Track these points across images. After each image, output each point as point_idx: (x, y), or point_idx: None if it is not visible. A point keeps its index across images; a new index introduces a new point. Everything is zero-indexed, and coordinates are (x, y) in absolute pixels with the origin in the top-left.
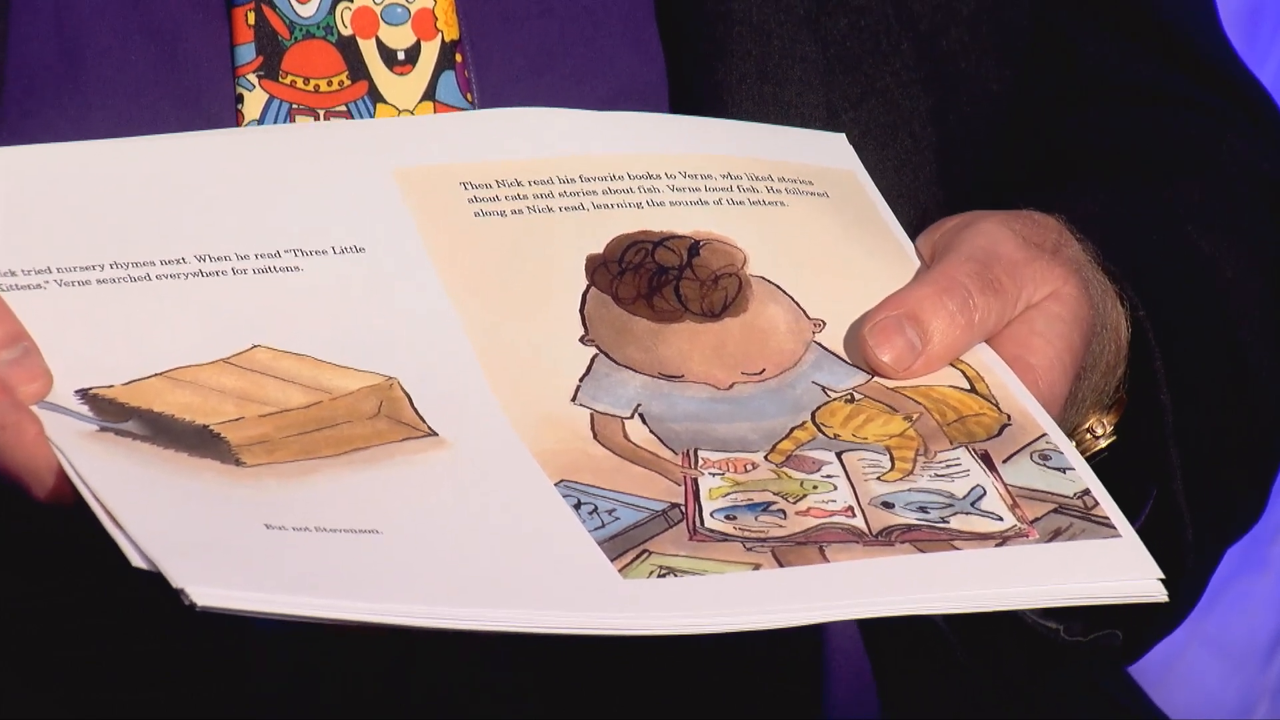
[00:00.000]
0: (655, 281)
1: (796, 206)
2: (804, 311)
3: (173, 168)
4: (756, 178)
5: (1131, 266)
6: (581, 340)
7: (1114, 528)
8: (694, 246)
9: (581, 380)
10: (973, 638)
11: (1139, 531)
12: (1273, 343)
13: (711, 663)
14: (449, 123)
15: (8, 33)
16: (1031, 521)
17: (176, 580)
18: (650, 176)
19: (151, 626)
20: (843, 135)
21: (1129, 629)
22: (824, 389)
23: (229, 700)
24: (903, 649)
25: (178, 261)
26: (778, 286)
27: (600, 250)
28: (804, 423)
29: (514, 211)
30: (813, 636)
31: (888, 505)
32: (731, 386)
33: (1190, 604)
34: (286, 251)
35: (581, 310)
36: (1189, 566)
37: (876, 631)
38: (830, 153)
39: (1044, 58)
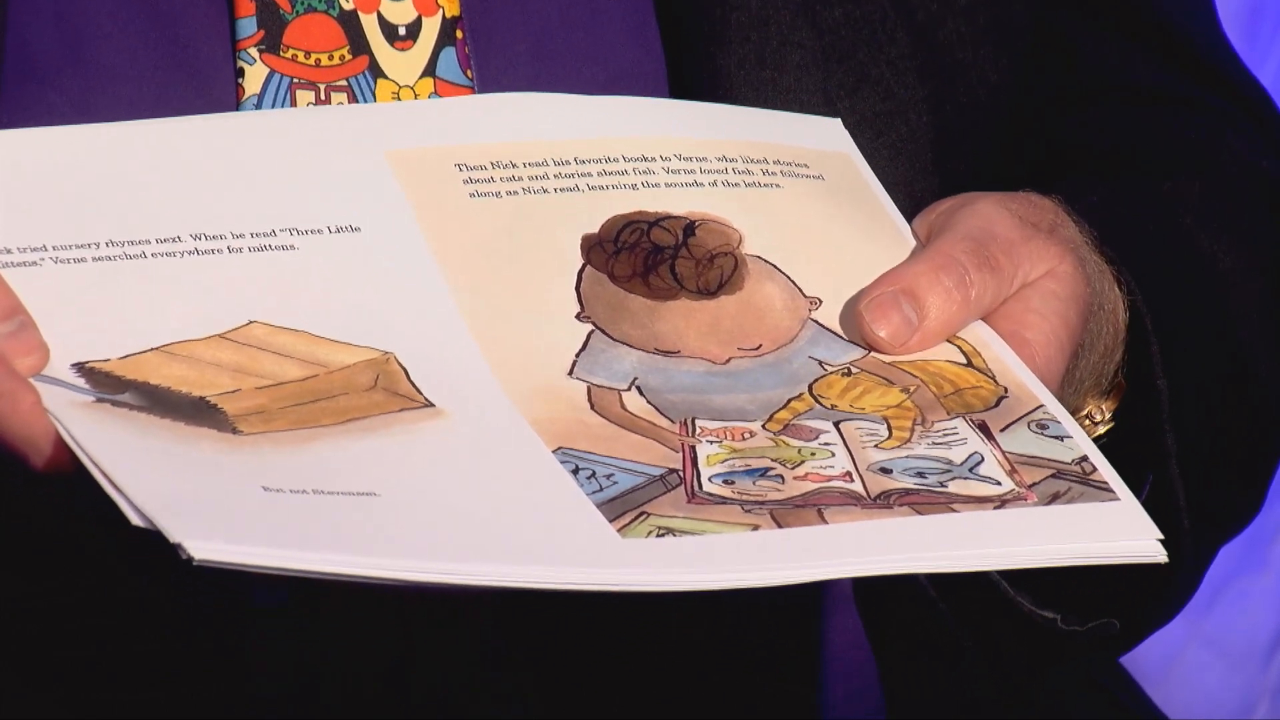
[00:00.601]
0: (651, 260)
1: (791, 188)
2: (800, 290)
3: (168, 150)
4: (752, 160)
5: (1129, 254)
6: (577, 317)
7: (1112, 491)
8: (689, 226)
9: (578, 355)
10: (973, 628)
11: None
12: (1272, 340)
13: (711, 663)
14: (442, 107)
15: (7, 18)
16: (1030, 486)
17: (174, 535)
18: (645, 159)
19: (151, 626)
20: (838, 120)
21: (1126, 618)
22: (821, 363)
23: (229, 700)
24: (906, 649)
25: (173, 240)
26: (774, 265)
27: (595, 230)
28: (801, 394)
29: (509, 193)
30: (813, 635)
31: (886, 471)
32: (728, 361)
33: (1186, 594)
34: (282, 230)
35: (577, 288)
36: (1185, 554)
37: (880, 631)
38: (826, 136)
39: (1043, 56)
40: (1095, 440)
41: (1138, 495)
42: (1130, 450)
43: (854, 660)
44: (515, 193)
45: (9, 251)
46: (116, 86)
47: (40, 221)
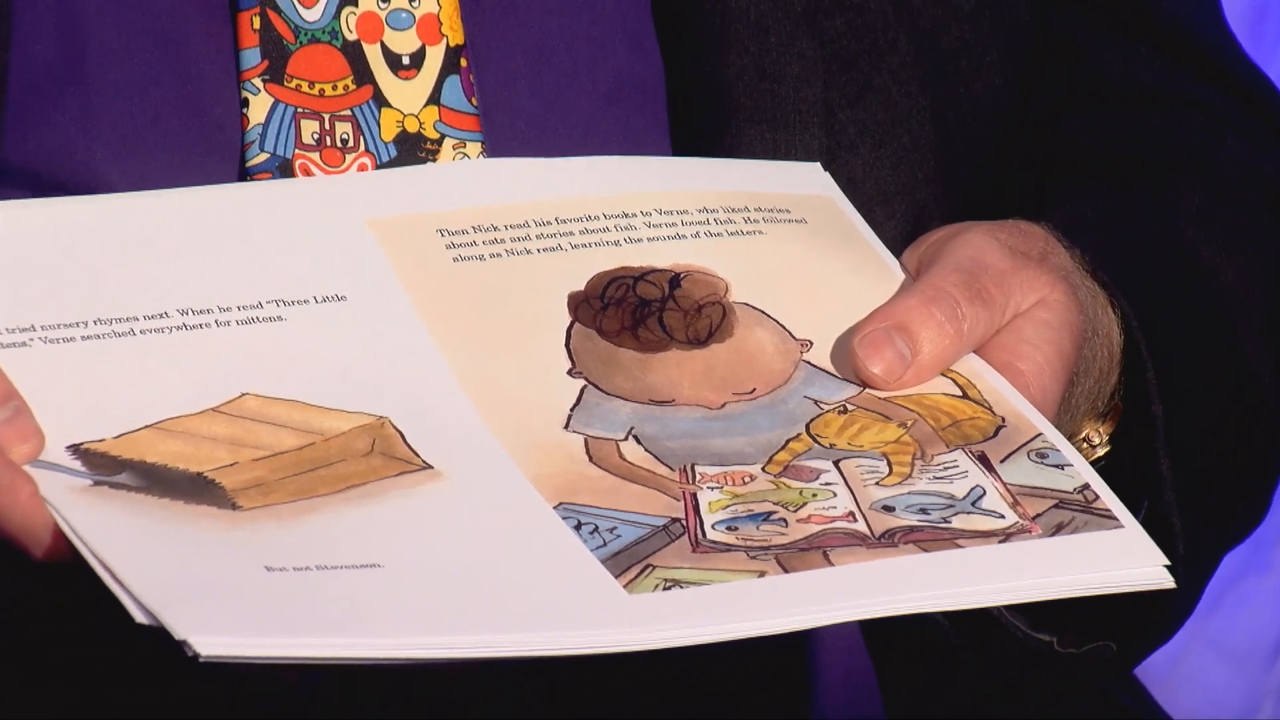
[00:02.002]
0: (639, 314)
1: (775, 234)
2: (790, 334)
3: (151, 225)
4: (733, 210)
5: (1125, 273)
6: (569, 373)
7: (1116, 519)
8: (675, 279)
9: (572, 410)
10: (970, 642)
11: None
12: (1276, 350)
13: (710, 664)
14: (419, 174)
15: (11, 34)
16: (1033, 518)
17: (179, 632)
18: (626, 215)
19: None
20: (818, 164)
21: (1122, 640)
22: (816, 403)
23: (229, 700)
24: (905, 653)
25: (161, 316)
26: (762, 312)
27: (581, 288)
28: (799, 434)
29: (492, 255)
30: (811, 639)
31: (888, 509)
32: (723, 406)
33: (1183, 615)
34: (269, 302)
35: (567, 344)
36: (1179, 578)
37: (879, 636)
38: (807, 181)
39: (1046, 60)
40: (1093, 464)
41: (1134, 518)
42: (1128, 474)
43: (853, 665)
44: (499, 255)
45: None
46: (119, 105)
47: (27, 300)
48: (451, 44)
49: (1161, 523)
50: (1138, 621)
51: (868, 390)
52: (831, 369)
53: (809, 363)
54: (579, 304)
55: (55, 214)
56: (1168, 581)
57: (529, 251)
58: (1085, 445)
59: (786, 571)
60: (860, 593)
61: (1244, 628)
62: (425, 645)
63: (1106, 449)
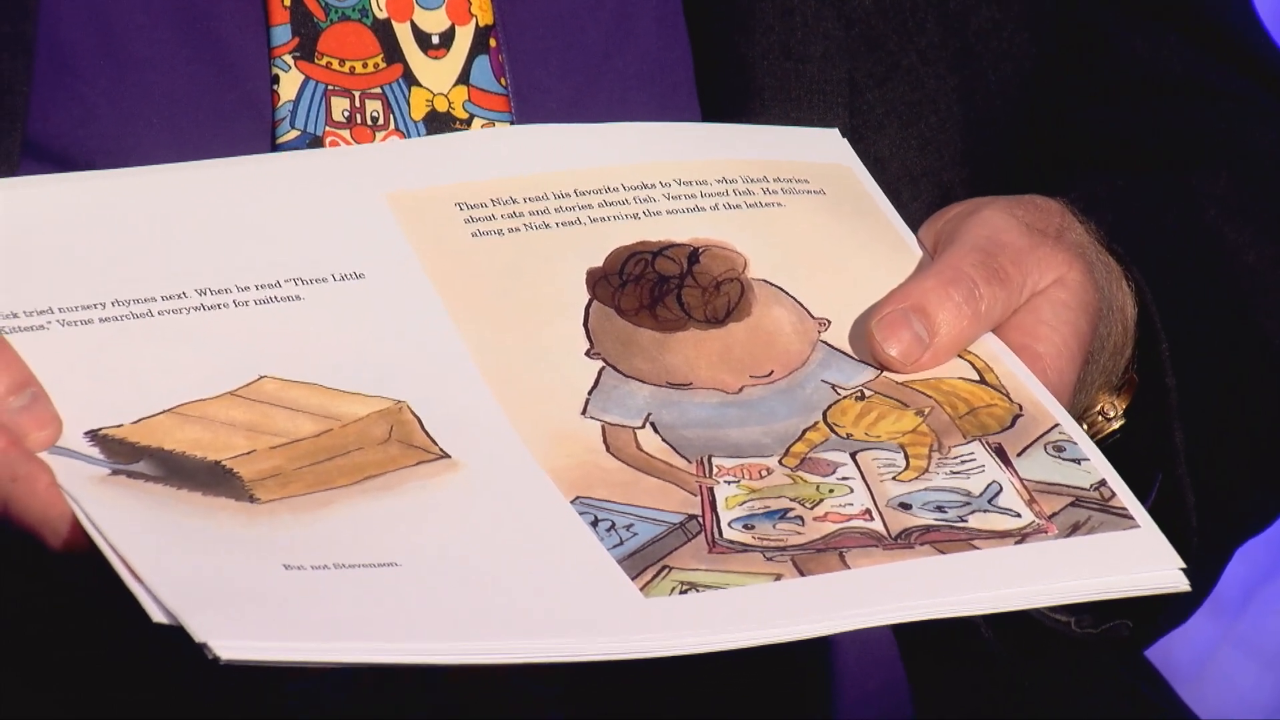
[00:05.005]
0: (657, 291)
1: (794, 206)
2: (808, 311)
3: (168, 200)
4: (752, 180)
5: (1141, 246)
6: (587, 354)
7: (1133, 519)
8: (694, 254)
9: (590, 393)
10: (994, 626)
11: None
12: None
13: (736, 657)
14: (440, 144)
15: (36, 7)
16: (1050, 516)
17: (199, 635)
18: (645, 186)
19: (151, 626)
20: (835, 130)
21: (1139, 619)
22: (833, 387)
23: (230, 700)
24: (934, 647)
25: (179, 296)
26: (780, 288)
27: (600, 264)
28: (816, 423)
29: (511, 230)
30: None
31: (905, 506)
32: (741, 390)
33: (1201, 594)
34: (287, 281)
35: (585, 324)
36: (1195, 553)
37: (907, 629)
38: (825, 149)
39: (1075, 45)
40: (1110, 435)
41: (1148, 493)
42: (1142, 447)
43: (882, 657)
44: (517, 229)
45: (15, 316)
46: (149, 79)
47: (45, 281)
48: (481, 24)
49: (1175, 498)
50: (1155, 601)
51: (885, 374)
52: (848, 350)
53: (826, 343)
54: (598, 281)
55: (69, 190)
56: (1183, 585)
57: (547, 225)
58: (1100, 418)
59: (803, 574)
60: (877, 599)
61: (1272, 628)
62: (440, 651)
63: (1121, 422)
